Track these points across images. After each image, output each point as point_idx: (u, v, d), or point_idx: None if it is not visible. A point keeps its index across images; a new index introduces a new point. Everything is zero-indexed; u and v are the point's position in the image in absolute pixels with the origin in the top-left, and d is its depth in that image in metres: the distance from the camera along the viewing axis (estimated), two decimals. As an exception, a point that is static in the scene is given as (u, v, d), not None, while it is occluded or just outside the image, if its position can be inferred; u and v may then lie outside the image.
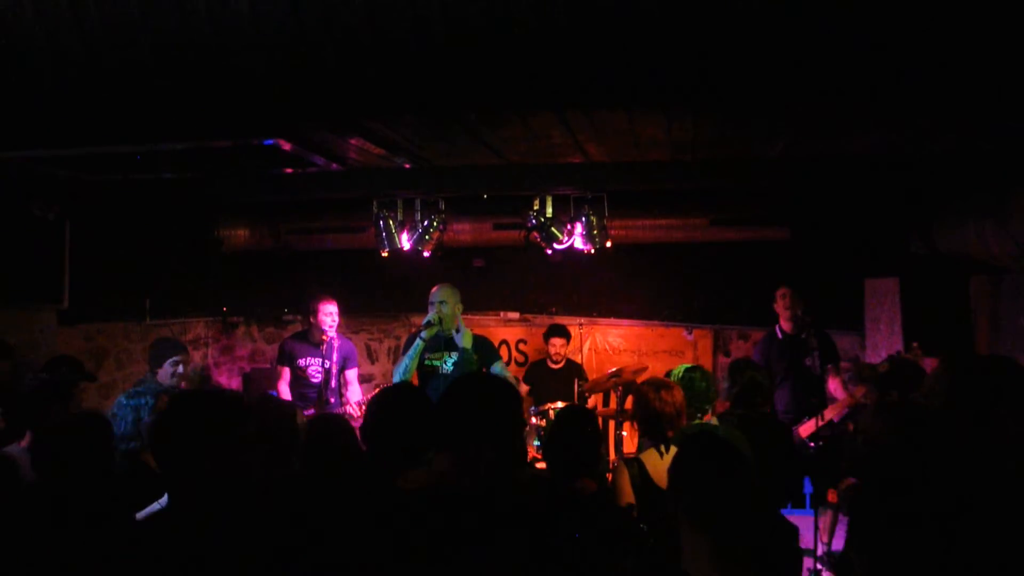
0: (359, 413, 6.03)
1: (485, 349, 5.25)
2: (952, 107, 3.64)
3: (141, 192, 5.65)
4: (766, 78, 3.09)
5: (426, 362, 5.14)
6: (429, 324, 5.06)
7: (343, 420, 3.46)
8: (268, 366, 8.25)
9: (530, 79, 3.08)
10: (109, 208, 5.87)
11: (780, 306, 5.89)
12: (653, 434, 3.53)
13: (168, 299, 7.03)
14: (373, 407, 2.86)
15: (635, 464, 3.38)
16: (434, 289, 5.20)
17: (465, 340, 5.06)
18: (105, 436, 3.01)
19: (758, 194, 6.80)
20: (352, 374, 6.17)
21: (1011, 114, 3.69)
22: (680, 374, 3.87)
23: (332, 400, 6.01)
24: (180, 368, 4.91)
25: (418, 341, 5.09)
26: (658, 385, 3.61)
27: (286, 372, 6.20)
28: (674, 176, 5.56)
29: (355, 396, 6.07)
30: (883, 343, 6.67)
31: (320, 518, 2.22)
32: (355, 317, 8.41)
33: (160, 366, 4.92)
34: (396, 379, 5.23)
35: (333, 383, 6.04)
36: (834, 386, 5.69)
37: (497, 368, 5.18)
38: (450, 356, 5.09)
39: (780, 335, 5.93)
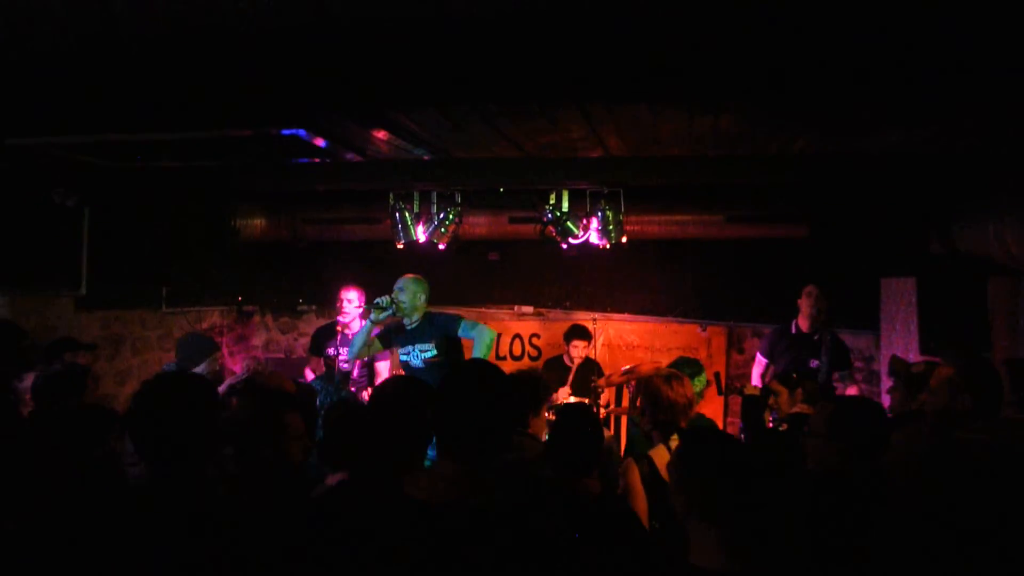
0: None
1: (440, 324, 5.03)
2: (973, 106, 3.61)
3: (160, 180, 5.68)
4: (790, 75, 3.08)
5: (401, 359, 5.14)
6: (376, 306, 4.97)
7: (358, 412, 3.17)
8: (283, 356, 8.30)
9: (553, 72, 3.08)
10: (128, 196, 5.90)
11: (805, 303, 5.90)
12: (664, 426, 3.52)
13: (184, 287, 7.07)
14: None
15: (645, 461, 3.33)
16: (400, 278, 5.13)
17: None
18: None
19: (775, 191, 6.77)
20: (383, 366, 5.97)
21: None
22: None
23: (353, 391, 5.94)
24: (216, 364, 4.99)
25: (367, 321, 5.07)
26: (668, 376, 3.60)
27: (317, 362, 6.19)
28: (692, 171, 5.54)
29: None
30: (898, 343, 6.61)
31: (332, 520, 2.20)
32: (369, 308, 8.42)
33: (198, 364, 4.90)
34: (348, 356, 5.43)
35: (356, 373, 5.98)
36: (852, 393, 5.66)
37: (466, 327, 4.97)
38: (418, 350, 5.03)
39: (795, 330, 5.97)
